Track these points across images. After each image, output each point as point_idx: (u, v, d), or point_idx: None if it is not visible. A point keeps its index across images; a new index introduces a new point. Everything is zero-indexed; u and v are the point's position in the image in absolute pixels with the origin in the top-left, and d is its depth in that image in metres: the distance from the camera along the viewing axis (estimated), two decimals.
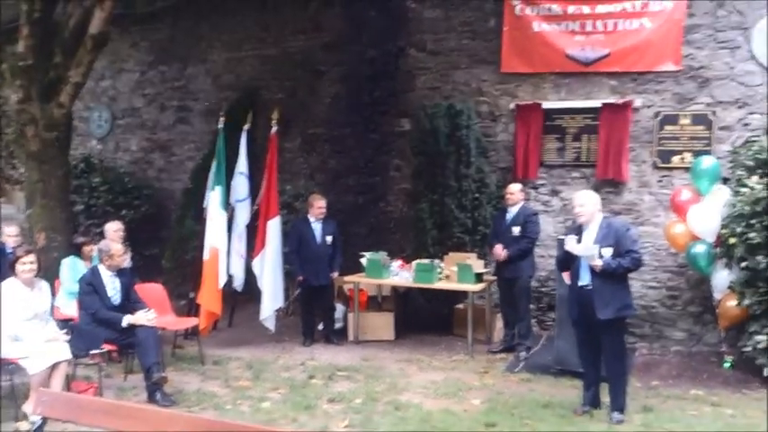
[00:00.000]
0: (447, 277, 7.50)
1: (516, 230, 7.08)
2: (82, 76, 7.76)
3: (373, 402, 5.63)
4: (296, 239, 7.77)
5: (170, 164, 11.25)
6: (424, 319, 8.34)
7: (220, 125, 7.96)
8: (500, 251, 7.12)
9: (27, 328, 5.16)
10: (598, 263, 4.92)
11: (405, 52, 9.40)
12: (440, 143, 8.04)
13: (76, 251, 7.00)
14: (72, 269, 6.73)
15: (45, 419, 3.17)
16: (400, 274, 7.68)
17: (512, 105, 8.56)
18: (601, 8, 8.04)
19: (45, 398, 3.52)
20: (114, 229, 7.28)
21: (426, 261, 7.50)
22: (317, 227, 7.80)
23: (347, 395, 5.78)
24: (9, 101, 7.54)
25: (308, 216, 7.85)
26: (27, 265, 5.22)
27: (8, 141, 10.03)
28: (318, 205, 7.80)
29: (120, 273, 5.92)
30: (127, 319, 5.60)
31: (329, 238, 7.84)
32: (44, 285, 5.45)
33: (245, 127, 8.26)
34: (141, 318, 5.64)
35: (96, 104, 11.93)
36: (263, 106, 9.72)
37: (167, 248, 9.73)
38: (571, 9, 8.19)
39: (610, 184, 8.04)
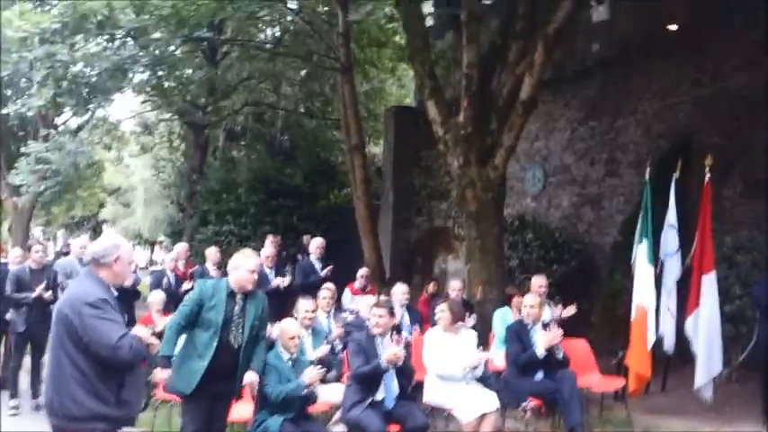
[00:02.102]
0: None
1: None
2: (514, 140, 8.33)
3: None
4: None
5: (599, 218, 11.23)
6: None
7: (647, 176, 7.68)
8: None
9: (455, 375, 5.60)
10: None
11: None
12: None
13: (507, 302, 7.44)
14: (503, 320, 7.16)
15: None
16: None
17: None
18: None
19: None
20: (539, 284, 7.53)
21: None
22: None
23: None
24: (452, 166, 8.43)
25: None
26: (440, 313, 5.74)
27: (452, 203, 11.25)
28: None
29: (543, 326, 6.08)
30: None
31: None
32: (471, 335, 5.88)
33: (675, 176, 7.81)
34: None
35: (531, 164, 12.65)
36: (697, 153, 9.09)
37: (597, 304, 9.67)
38: None
39: None
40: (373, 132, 17.99)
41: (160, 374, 4.54)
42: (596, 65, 11.40)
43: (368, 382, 5.08)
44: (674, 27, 9.94)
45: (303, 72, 17.30)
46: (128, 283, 8.84)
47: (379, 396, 5.09)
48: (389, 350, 5.06)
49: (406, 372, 5.22)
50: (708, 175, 7.48)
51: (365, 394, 5.05)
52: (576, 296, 9.93)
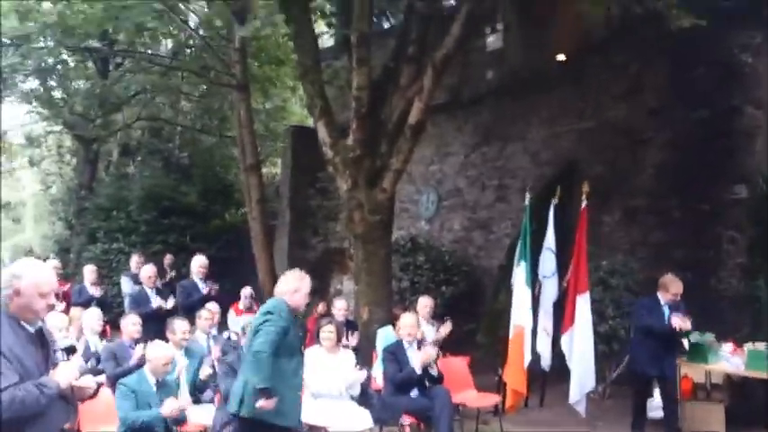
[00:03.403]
0: None
1: None
2: (402, 163, 8.41)
3: None
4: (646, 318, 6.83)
5: (488, 241, 11.52)
6: (765, 413, 7.06)
7: (526, 202, 7.95)
8: None
9: (332, 393, 5.58)
10: None
11: (740, 111, 8.48)
12: None
13: (394, 323, 7.46)
14: (386, 340, 7.16)
15: None
16: (730, 360, 6.67)
17: None
18: None
19: None
20: (425, 304, 7.61)
21: (761, 346, 6.41)
22: (665, 311, 6.73)
23: None
24: (341, 188, 8.44)
25: (659, 296, 6.82)
26: (326, 333, 5.71)
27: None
28: (674, 291, 6.69)
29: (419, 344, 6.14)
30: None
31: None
32: (349, 355, 5.87)
33: (553, 201, 8.12)
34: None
35: (426, 187, 12.85)
36: (580, 180, 9.48)
37: (482, 323, 9.88)
38: None
39: None
40: (273, 151, 17.82)
41: (266, 404, 4.24)
42: (489, 92, 11.73)
43: None
44: (561, 57, 10.37)
45: (202, 88, 16.99)
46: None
47: None
48: None
49: None
50: (584, 202, 7.81)
51: None
52: (465, 316, 10.18)
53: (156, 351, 4.92)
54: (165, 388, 4.76)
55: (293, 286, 4.63)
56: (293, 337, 4.50)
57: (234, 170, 17.33)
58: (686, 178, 8.77)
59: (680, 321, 6.49)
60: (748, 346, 6.56)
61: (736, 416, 7.04)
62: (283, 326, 4.39)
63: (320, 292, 13.76)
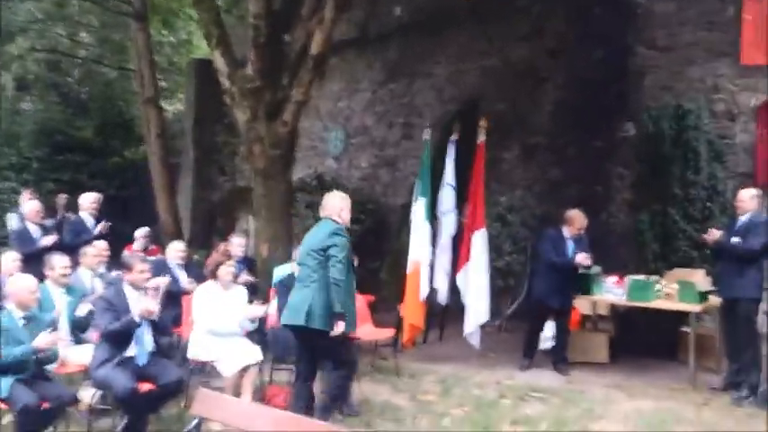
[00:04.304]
0: (667, 296, 6.64)
1: (735, 241, 5.98)
2: (303, 95, 8.18)
3: (559, 429, 5.13)
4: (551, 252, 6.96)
5: (395, 179, 11.54)
6: (647, 342, 7.47)
7: (426, 136, 7.95)
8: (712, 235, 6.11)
9: (225, 329, 5.49)
10: None
11: (633, 51, 8.67)
12: (664, 147, 7.21)
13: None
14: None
15: (201, 419, 3.27)
16: (614, 291, 6.96)
17: (753, 102, 7.43)
18: None
19: (202, 398, 3.71)
20: None
21: (642, 277, 6.72)
22: (570, 245, 6.95)
23: (533, 419, 5.35)
24: (239, 120, 8.17)
25: (564, 230, 6.99)
26: (225, 269, 5.59)
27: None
28: (579, 225, 6.93)
29: None
30: None
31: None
32: (241, 291, 5.78)
33: (453, 138, 8.15)
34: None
35: (334, 124, 12.69)
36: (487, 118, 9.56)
37: (386, 261, 9.96)
38: None
39: None
40: (178, 86, 17.15)
41: (341, 327, 4.78)
42: (397, 29, 11.58)
43: (119, 338, 4.80)
44: None
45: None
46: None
47: (130, 353, 4.84)
48: (142, 304, 4.82)
49: (160, 327, 5.00)
50: (482, 138, 7.87)
51: (114, 352, 4.77)
52: (372, 254, 10.23)
53: (17, 282, 4.66)
54: (35, 322, 4.54)
55: (339, 206, 5.16)
56: (350, 252, 4.96)
57: (136, 105, 16.63)
58: (581, 117, 8.95)
59: (583, 259, 6.71)
60: (630, 276, 6.85)
61: (620, 345, 7.44)
62: (347, 246, 4.92)
63: (227, 232, 13.55)
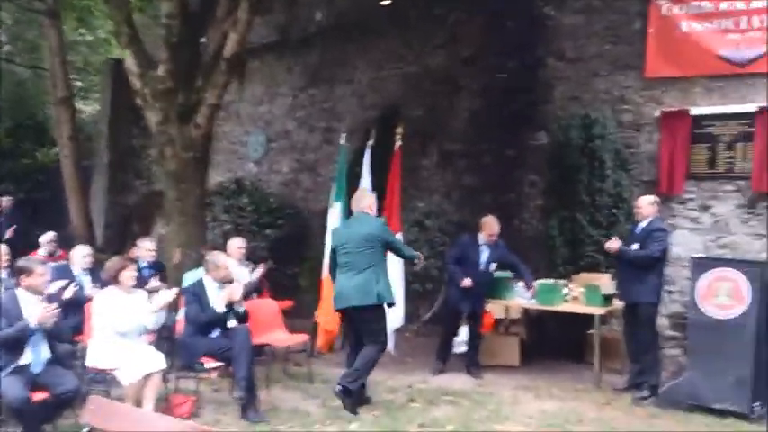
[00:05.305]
0: (574, 299, 6.85)
1: (635, 247, 6.23)
2: (217, 98, 8.05)
3: (466, 430, 5.20)
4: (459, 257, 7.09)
5: (316, 184, 11.48)
6: (556, 344, 7.69)
7: (342, 141, 7.96)
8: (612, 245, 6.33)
9: (126, 333, 5.33)
10: None
11: (543, 62, 8.90)
12: (572, 156, 7.44)
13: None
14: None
15: (92, 429, 3.16)
16: (524, 295, 7.12)
17: (657, 113, 7.77)
18: (757, 2, 7.13)
19: (94, 406, 3.59)
20: (237, 245, 7.48)
21: (550, 281, 6.91)
22: (484, 251, 7.09)
23: (441, 421, 5.41)
24: (150, 122, 7.98)
25: (478, 236, 7.09)
26: (128, 273, 5.43)
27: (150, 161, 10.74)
28: (490, 231, 7.00)
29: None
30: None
31: (493, 266, 7.12)
32: (143, 296, 5.63)
33: (369, 143, 8.19)
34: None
35: (254, 128, 12.54)
36: (404, 124, 9.64)
37: (304, 267, 9.89)
38: (723, 5, 7.39)
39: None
40: (92, 87, 16.63)
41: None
42: (318, 33, 11.55)
43: (12, 345, 4.61)
44: (386, 2, 10.35)
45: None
46: None
47: (24, 361, 4.64)
48: (39, 310, 4.63)
49: (57, 334, 4.82)
50: (399, 144, 7.94)
51: (8, 359, 4.57)
52: (291, 260, 10.16)
53: None
54: None
55: (367, 202, 6.06)
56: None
57: (50, 105, 16.04)
58: (496, 125, 9.15)
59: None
60: (539, 281, 7.02)
61: (532, 348, 7.62)
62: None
63: (143, 236, 13.19)
